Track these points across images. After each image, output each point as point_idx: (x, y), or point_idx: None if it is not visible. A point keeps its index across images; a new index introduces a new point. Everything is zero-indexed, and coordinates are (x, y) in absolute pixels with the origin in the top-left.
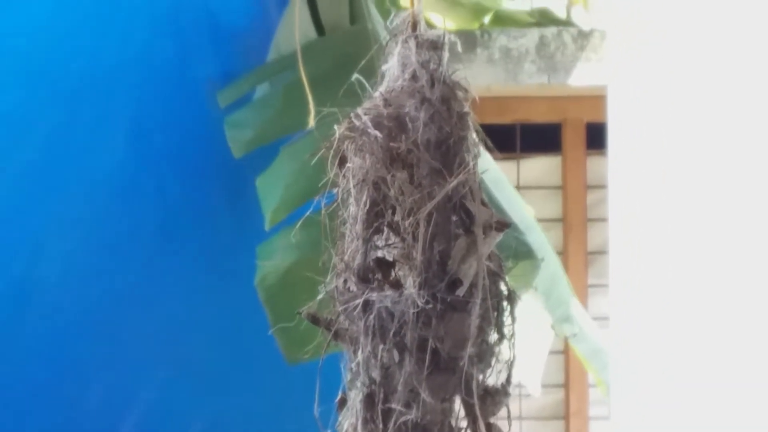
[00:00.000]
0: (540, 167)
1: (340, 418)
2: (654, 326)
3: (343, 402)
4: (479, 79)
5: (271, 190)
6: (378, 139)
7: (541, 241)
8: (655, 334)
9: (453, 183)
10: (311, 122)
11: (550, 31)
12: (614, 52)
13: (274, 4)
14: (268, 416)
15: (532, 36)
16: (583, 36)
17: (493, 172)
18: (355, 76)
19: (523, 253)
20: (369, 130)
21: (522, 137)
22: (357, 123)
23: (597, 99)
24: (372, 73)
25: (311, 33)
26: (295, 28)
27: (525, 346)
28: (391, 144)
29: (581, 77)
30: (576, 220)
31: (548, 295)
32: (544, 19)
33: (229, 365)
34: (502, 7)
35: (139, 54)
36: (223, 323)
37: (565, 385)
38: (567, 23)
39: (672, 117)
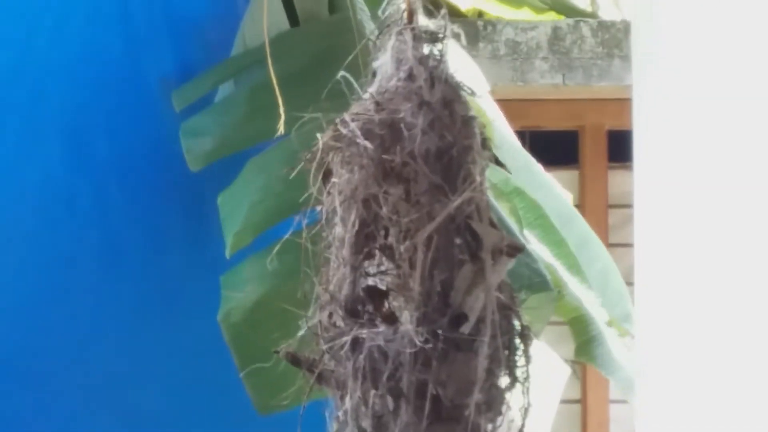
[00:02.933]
0: None
1: None
2: (684, 364)
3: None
4: None
5: (235, 209)
6: (368, 150)
7: (585, 232)
8: (685, 373)
9: (457, 201)
10: (281, 129)
11: (565, 21)
12: (640, 47)
13: None
14: None
15: (544, 28)
16: (604, 28)
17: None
18: (341, 73)
19: (537, 283)
20: (358, 140)
21: (532, 147)
22: (344, 131)
23: (620, 102)
24: (356, 71)
25: (283, 24)
26: (263, 18)
27: (536, 390)
28: (384, 156)
29: (602, 77)
30: None
31: (603, 291)
32: (559, 6)
33: (186, 417)
34: None
35: (78, 47)
36: (179, 365)
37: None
38: (586, 13)
39: (708, 123)
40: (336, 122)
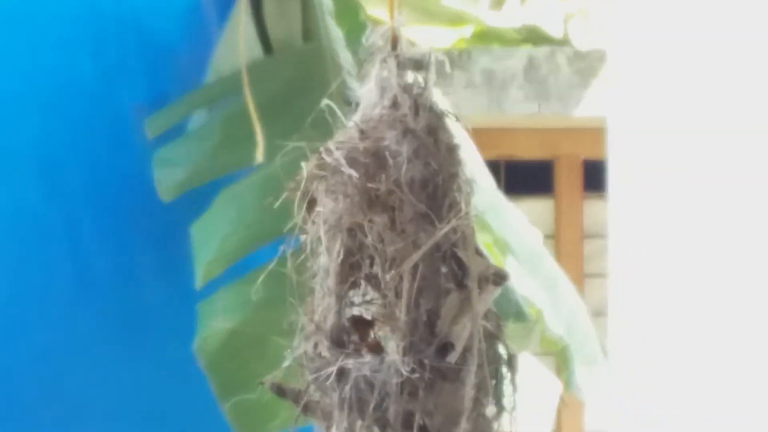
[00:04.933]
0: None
1: None
2: (659, 392)
3: None
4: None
5: (207, 240)
6: (353, 178)
7: (554, 272)
8: (661, 400)
9: (444, 230)
10: (259, 157)
11: (541, 51)
12: (616, 77)
13: (214, 17)
14: None
15: (519, 56)
16: (580, 57)
17: (486, 185)
18: (325, 101)
19: (515, 314)
20: (342, 168)
21: (507, 176)
22: (328, 159)
23: (595, 132)
24: (331, 99)
25: (257, 51)
26: (239, 45)
27: (526, 418)
28: (369, 185)
29: (577, 106)
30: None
31: (571, 333)
32: (534, 37)
33: None
34: (484, 21)
35: (51, 75)
36: (154, 395)
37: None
38: (561, 42)
39: (684, 153)
40: (320, 150)
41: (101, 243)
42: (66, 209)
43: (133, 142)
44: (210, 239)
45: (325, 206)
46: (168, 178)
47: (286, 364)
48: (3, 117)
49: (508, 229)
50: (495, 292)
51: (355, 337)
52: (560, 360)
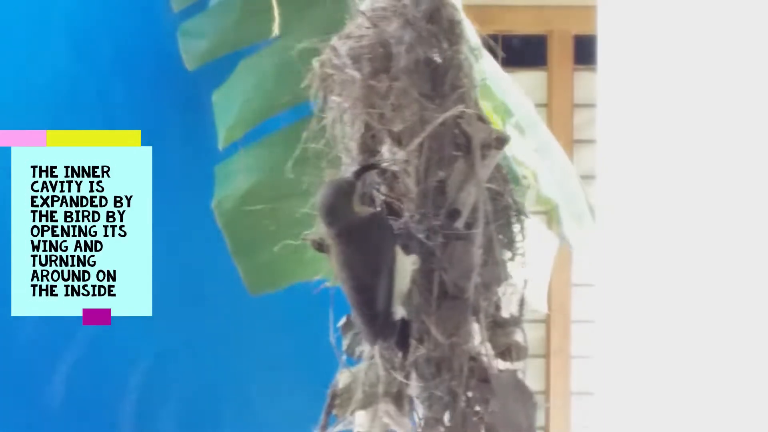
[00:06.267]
0: (523, 83)
1: (347, 342)
2: (642, 258)
3: (348, 326)
4: None
5: (228, 106)
6: (356, 79)
7: (546, 137)
8: (642, 272)
9: (447, 114)
10: (276, 30)
11: None
12: None
13: None
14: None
15: None
16: None
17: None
18: None
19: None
20: (347, 70)
21: (504, 50)
22: (335, 60)
23: (586, 9)
24: None
25: None
26: None
27: (530, 263)
28: (371, 82)
29: None
30: (562, 142)
31: (562, 191)
32: None
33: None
34: None
35: None
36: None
37: (546, 322)
38: None
39: (670, 28)
40: (328, 49)
41: (131, 110)
42: (98, 78)
43: (160, 15)
44: (231, 105)
45: (339, 96)
46: (192, 48)
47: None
48: None
49: (508, 96)
50: (498, 156)
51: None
52: (552, 216)
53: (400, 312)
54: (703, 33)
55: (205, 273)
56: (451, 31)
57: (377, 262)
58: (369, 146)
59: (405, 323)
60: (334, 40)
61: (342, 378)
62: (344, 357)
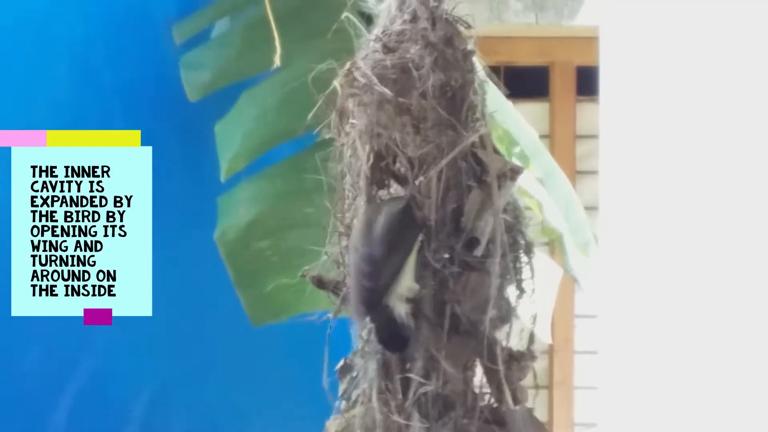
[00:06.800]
0: (525, 114)
1: (343, 386)
2: (644, 287)
3: (345, 369)
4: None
5: (230, 137)
6: (385, 95)
7: (551, 165)
8: (645, 301)
9: (471, 139)
10: (278, 61)
11: None
12: None
13: None
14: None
15: None
16: None
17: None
18: (345, 14)
19: None
20: (375, 87)
21: (506, 81)
22: (359, 77)
23: (588, 41)
24: (346, 9)
25: None
26: None
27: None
28: (400, 99)
29: (572, 16)
30: (564, 173)
31: (567, 219)
32: None
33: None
34: None
35: None
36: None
37: (549, 353)
38: None
39: (671, 60)
40: (349, 68)
41: None
42: (101, 109)
43: (162, 47)
44: (233, 136)
45: (359, 119)
46: (195, 79)
47: (322, 260)
48: (44, 22)
49: (511, 125)
50: (512, 186)
51: None
52: (557, 246)
53: (399, 308)
54: (704, 65)
55: (205, 273)
56: (465, 59)
57: (396, 241)
58: (384, 171)
59: (402, 327)
60: (355, 60)
61: (333, 425)
62: (337, 403)
